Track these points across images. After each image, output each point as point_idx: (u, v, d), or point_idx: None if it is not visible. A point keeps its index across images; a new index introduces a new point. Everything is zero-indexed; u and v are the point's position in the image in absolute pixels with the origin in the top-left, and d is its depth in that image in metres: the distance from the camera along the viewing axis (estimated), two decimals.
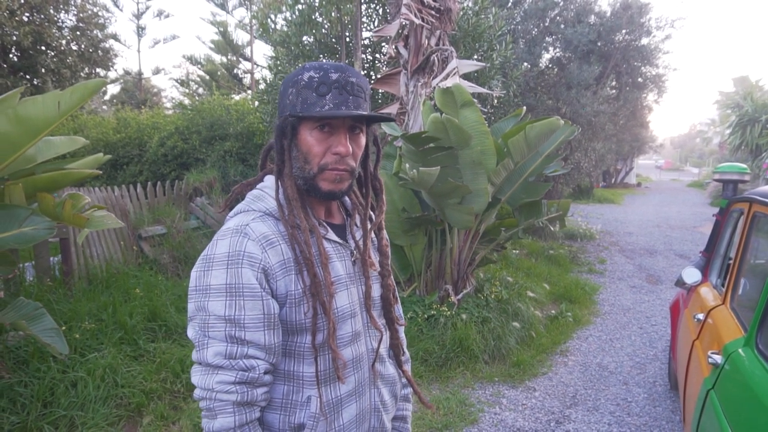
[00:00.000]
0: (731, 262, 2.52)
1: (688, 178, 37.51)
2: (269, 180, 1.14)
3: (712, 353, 2.06)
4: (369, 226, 1.20)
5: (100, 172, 3.60)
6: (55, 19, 11.40)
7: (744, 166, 3.38)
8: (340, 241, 1.15)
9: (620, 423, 3.43)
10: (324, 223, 1.14)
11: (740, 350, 1.88)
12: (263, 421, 1.08)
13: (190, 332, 1.02)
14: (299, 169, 1.07)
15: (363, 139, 1.11)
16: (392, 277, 1.25)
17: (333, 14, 6.39)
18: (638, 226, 12.68)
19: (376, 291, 1.21)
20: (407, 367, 1.33)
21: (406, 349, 1.35)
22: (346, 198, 1.24)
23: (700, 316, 2.63)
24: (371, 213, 1.23)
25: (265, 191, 1.12)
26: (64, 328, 3.34)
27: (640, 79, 12.64)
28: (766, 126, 16.19)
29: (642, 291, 6.88)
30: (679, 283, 3.15)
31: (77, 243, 4.70)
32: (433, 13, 5.01)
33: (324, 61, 1.01)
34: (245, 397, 0.99)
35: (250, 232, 1.03)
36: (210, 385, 0.98)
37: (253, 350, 1.00)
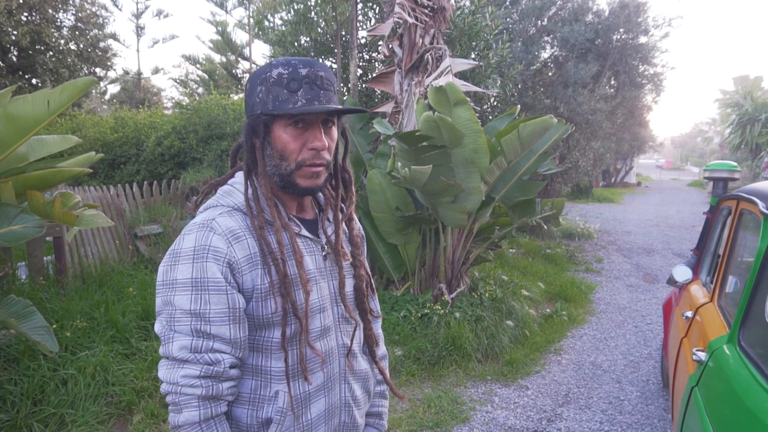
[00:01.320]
0: (720, 259, 2.52)
1: (689, 178, 37.40)
2: (239, 176, 1.14)
3: (697, 350, 2.06)
4: (340, 216, 1.20)
5: (91, 170, 3.60)
6: (54, 18, 11.41)
7: (734, 163, 3.37)
8: (311, 237, 1.15)
9: (612, 421, 3.43)
10: (295, 219, 1.14)
11: (724, 347, 1.88)
12: (231, 415, 1.08)
13: (157, 327, 1.03)
14: (275, 166, 1.07)
15: (335, 132, 1.12)
16: (366, 268, 1.25)
17: (329, 13, 6.39)
18: (637, 226, 12.67)
19: (349, 284, 1.20)
20: (383, 363, 1.33)
21: (382, 344, 1.34)
22: (319, 193, 1.24)
23: (689, 313, 2.63)
24: (342, 204, 1.23)
25: (235, 187, 1.12)
26: (55, 326, 3.34)
27: (638, 78, 12.61)
28: (765, 125, 16.18)
29: (638, 290, 6.87)
30: (671, 281, 3.14)
31: (70, 242, 4.70)
32: (427, 11, 5.01)
33: (290, 57, 1.01)
34: (210, 391, 0.99)
35: (216, 226, 1.03)
36: (175, 379, 0.98)
37: (218, 344, 1.00)
